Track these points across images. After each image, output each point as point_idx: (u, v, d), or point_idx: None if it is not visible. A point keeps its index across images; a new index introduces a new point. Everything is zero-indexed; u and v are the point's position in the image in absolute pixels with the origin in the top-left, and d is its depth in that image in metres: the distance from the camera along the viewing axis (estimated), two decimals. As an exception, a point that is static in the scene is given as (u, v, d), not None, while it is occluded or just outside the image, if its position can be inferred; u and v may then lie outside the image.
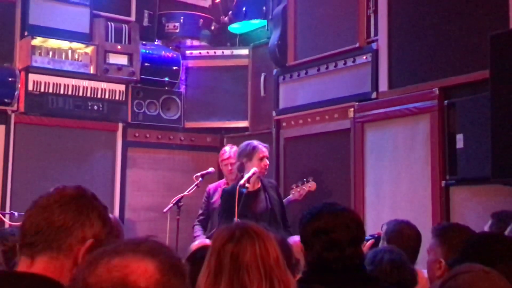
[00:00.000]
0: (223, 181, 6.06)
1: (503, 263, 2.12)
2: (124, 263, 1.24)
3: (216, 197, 5.93)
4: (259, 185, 5.31)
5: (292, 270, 2.35)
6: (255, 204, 5.23)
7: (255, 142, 5.33)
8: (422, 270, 3.12)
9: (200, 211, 6.02)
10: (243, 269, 1.86)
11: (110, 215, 2.71)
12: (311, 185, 5.58)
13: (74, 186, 1.85)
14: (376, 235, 3.63)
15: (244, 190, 4.88)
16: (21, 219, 1.82)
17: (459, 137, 4.61)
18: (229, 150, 6.00)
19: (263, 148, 5.27)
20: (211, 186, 6.05)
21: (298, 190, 5.60)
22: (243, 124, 6.99)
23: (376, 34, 5.46)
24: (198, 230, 5.95)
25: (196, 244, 3.68)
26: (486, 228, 3.58)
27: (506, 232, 3.10)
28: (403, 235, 3.40)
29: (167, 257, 1.27)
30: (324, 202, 2.65)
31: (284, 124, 6.38)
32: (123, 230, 2.70)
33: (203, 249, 2.44)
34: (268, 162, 5.30)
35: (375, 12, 5.47)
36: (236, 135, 7.01)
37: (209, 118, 7.08)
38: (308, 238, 2.53)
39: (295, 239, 3.04)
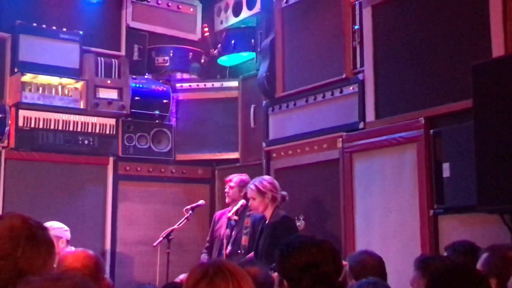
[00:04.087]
0: (228, 208, 6.04)
1: None
2: None
3: (219, 225, 5.92)
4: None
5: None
6: (261, 238, 5.19)
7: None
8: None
9: (207, 238, 6.03)
10: None
11: (90, 252, 2.73)
12: (300, 224, 5.56)
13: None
14: None
15: (233, 223, 4.88)
16: None
17: (446, 166, 4.64)
18: (235, 175, 5.99)
19: (248, 189, 5.27)
20: (217, 213, 6.06)
21: None
22: (234, 155, 7.01)
23: (362, 65, 5.52)
24: (203, 259, 5.90)
25: (181, 277, 3.65)
26: None
27: (478, 265, 3.10)
28: (367, 266, 3.42)
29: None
30: (298, 235, 2.65)
31: (274, 155, 6.41)
32: (103, 265, 2.71)
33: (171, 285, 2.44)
34: (250, 203, 5.24)
35: (361, 43, 5.53)
36: (227, 167, 7.03)
37: (200, 150, 7.10)
38: (295, 273, 2.50)
39: None
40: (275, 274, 2.62)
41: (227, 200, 5.90)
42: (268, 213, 5.16)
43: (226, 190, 5.91)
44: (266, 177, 5.42)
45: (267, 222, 5.16)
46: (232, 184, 5.86)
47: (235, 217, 4.96)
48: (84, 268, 2.57)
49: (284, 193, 5.25)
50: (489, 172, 4.05)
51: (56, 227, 5.33)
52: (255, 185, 5.19)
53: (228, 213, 5.81)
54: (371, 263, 3.44)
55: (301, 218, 5.55)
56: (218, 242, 5.85)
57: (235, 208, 5.01)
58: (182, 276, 3.29)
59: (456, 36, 4.78)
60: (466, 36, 4.71)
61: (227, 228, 5.65)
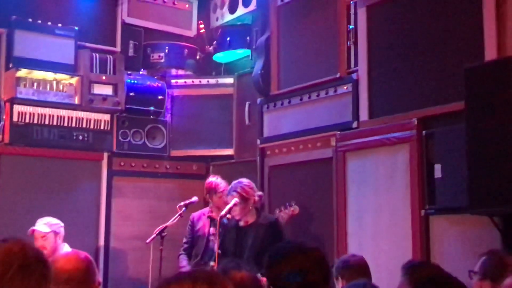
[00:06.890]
0: (207, 209, 6.09)
1: None
2: None
3: (200, 225, 5.98)
4: (253, 220, 5.28)
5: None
6: (243, 239, 5.24)
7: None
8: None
9: (185, 240, 6.06)
10: None
11: (82, 254, 2.75)
12: (294, 209, 5.58)
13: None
14: None
15: (225, 221, 4.91)
16: None
17: (437, 167, 4.67)
18: (222, 182, 5.97)
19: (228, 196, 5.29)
20: (195, 214, 6.09)
21: (282, 214, 5.61)
22: (229, 152, 7.03)
23: (356, 64, 5.54)
24: (183, 260, 5.98)
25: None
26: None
27: (475, 268, 3.13)
28: (351, 263, 3.48)
29: None
30: (288, 241, 2.66)
31: (268, 152, 6.43)
32: (95, 268, 2.72)
33: None
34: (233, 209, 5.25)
35: (355, 43, 5.55)
36: (221, 163, 7.06)
37: (195, 147, 7.12)
38: (281, 280, 2.51)
39: None
40: (264, 279, 2.64)
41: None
42: (250, 216, 5.23)
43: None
44: (245, 180, 5.34)
45: (249, 222, 5.22)
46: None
47: (228, 216, 5.00)
48: (75, 270, 2.60)
49: (260, 193, 5.34)
50: (480, 174, 4.08)
51: (54, 223, 5.38)
52: (238, 192, 5.19)
53: (207, 213, 5.95)
54: (354, 260, 3.51)
55: (293, 204, 5.56)
56: (203, 241, 5.89)
57: (228, 207, 5.04)
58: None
59: (450, 38, 4.80)
60: (459, 38, 4.73)
61: (217, 227, 5.67)
